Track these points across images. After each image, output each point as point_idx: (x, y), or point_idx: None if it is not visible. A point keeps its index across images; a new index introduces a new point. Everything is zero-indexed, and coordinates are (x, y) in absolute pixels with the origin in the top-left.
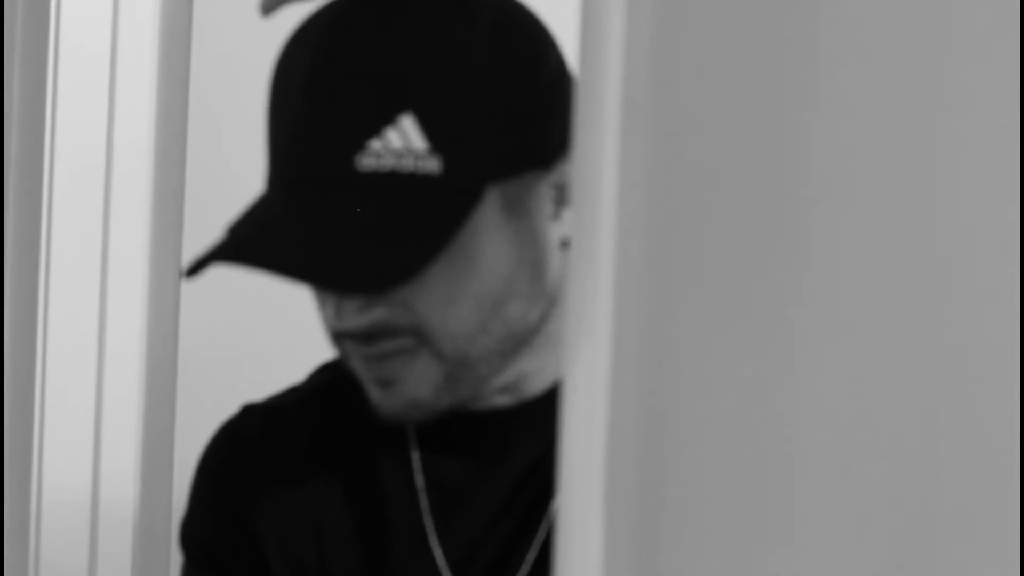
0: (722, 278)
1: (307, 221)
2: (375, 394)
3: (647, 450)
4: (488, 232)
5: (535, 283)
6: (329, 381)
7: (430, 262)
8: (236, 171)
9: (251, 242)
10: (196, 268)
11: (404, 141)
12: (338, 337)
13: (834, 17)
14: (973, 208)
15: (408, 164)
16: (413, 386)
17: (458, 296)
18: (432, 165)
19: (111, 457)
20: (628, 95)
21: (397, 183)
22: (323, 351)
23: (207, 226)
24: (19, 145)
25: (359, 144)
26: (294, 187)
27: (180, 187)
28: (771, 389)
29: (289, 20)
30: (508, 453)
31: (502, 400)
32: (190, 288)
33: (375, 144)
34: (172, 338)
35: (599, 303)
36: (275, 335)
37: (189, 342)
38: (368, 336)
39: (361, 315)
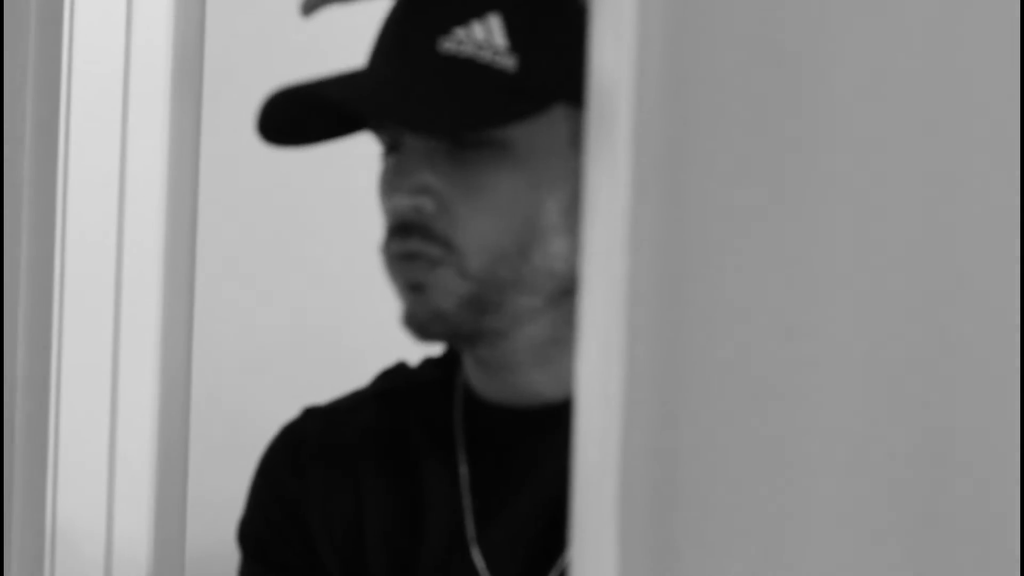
0: (733, 278)
1: (387, 84)
2: (408, 303)
3: (660, 452)
4: (551, 155)
5: None
6: (388, 387)
7: (495, 124)
8: (249, 180)
9: (332, 87)
10: (265, 116)
11: (487, 35)
12: (386, 241)
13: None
14: (972, 208)
15: (486, 56)
16: (439, 295)
17: (502, 207)
18: (509, 62)
19: (125, 498)
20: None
21: (473, 70)
22: (340, 376)
23: (215, 234)
24: (32, 158)
25: (444, 28)
26: (378, 59)
27: (193, 194)
28: (785, 391)
29: (324, 23)
30: (551, 455)
31: (543, 384)
32: (202, 306)
33: (459, 32)
34: (185, 376)
35: (613, 308)
36: (289, 364)
37: (202, 376)
38: (404, 228)
39: (409, 195)
